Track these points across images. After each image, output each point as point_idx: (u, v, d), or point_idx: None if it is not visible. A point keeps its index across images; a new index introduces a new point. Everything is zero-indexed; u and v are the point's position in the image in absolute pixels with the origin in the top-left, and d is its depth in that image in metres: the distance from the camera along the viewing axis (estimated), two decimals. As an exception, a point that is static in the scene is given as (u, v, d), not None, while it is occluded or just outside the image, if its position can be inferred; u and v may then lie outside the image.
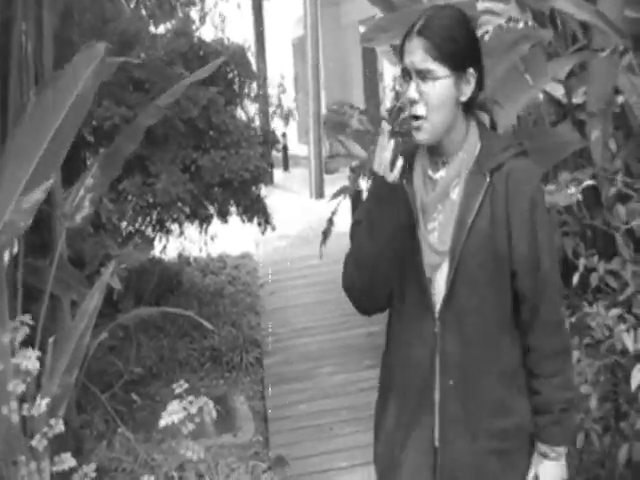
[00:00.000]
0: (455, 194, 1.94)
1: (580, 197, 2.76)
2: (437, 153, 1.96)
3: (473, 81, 1.89)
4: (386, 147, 1.85)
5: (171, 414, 3.21)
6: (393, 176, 1.85)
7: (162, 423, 3.10)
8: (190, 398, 3.34)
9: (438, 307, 1.93)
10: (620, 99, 3.16)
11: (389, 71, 11.58)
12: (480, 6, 3.44)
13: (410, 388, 1.98)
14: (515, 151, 1.95)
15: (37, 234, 3.95)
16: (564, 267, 3.13)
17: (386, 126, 1.86)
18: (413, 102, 1.86)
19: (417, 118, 1.87)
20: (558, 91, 3.64)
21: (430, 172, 1.97)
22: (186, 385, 3.42)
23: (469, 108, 1.95)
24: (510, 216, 1.89)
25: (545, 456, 1.95)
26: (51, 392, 3.37)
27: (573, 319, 2.62)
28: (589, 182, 2.79)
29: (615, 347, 2.38)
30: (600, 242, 3.04)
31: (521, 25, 4.19)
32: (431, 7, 1.95)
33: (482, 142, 1.95)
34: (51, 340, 3.41)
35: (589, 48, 3.29)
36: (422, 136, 1.89)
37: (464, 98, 1.90)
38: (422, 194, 1.96)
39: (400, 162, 1.85)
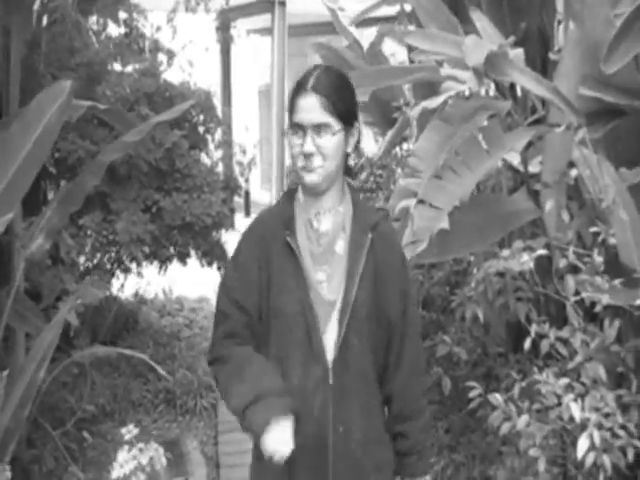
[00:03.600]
0: (340, 248, 2.12)
1: (532, 265, 2.86)
2: (319, 205, 2.14)
3: (357, 134, 2.11)
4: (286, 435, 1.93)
5: (122, 465, 3.20)
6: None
7: (114, 476, 3.09)
8: (140, 445, 3.33)
9: (331, 357, 2.05)
10: (574, 172, 3.30)
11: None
12: (443, 72, 3.56)
13: (306, 436, 2.04)
14: (384, 214, 2.20)
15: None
16: (516, 332, 3.24)
17: None
18: (310, 155, 2.02)
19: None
20: (515, 159, 3.78)
21: (315, 224, 2.13)
22: (136, 431, 3.41)
23: (345, 170, 2.16)
24: (388, 272, 2.11)
25: None
26: (2, 425, 3.35)
27: (523, 384, 2.71)
28: (541, 252, 2.90)
29: (563, 414, 2.47)
30: (552, 309, 3.15)
31: (483, 92, 4.33)
32: (316, 66, 2.11)
33: (354, 201, 2.17)
34: (5, 373, 3.40)
35: (546, 121, 3.44)
36: (315, 178, 2.05)
37: (350, 149, 2.10)
38: (309, 246, 2.11)
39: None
